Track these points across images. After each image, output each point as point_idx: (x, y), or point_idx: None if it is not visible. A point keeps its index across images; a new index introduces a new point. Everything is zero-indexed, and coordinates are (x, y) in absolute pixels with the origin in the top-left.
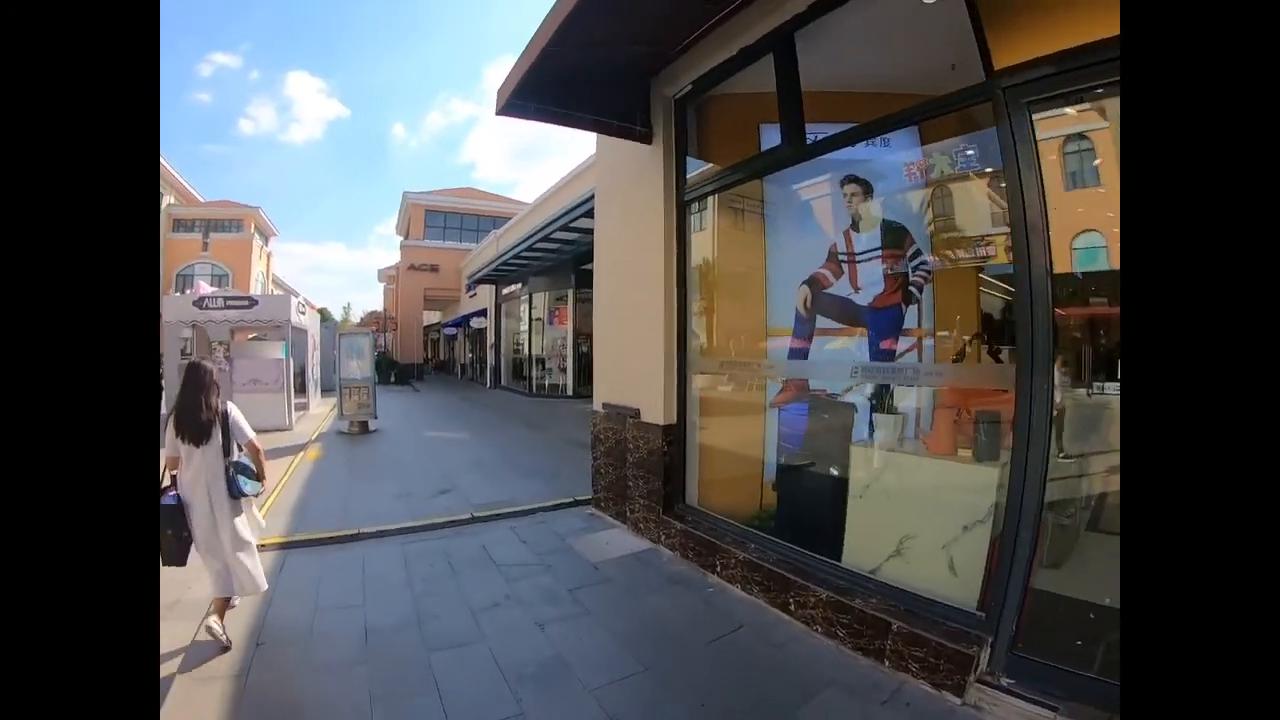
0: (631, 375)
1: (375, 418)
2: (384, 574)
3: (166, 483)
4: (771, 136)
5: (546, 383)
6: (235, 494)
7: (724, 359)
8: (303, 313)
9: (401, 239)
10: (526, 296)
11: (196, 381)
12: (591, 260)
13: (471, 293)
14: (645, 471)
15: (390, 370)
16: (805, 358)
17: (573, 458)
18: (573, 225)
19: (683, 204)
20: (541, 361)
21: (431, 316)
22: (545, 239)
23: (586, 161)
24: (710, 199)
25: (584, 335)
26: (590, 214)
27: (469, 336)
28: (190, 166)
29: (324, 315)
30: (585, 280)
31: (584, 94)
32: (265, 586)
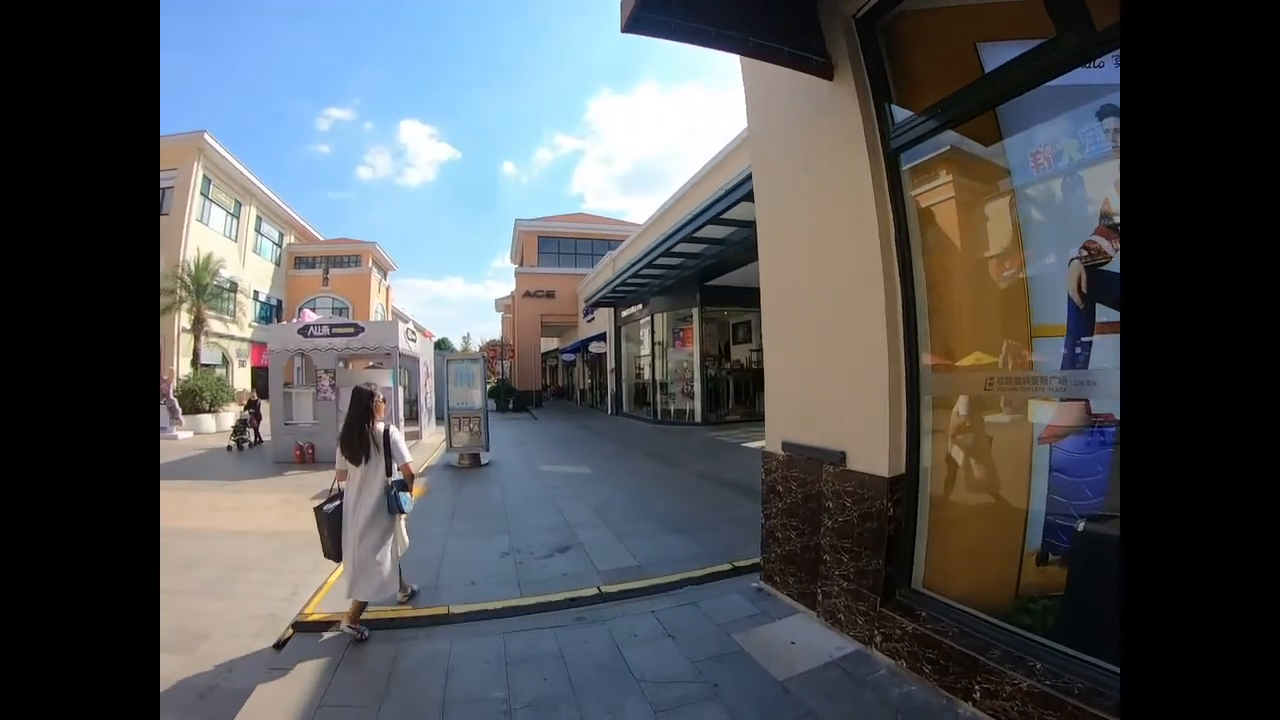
0: (831, 403)
1: (487, 449)
2: (472, 690)
3: (335, 492)
4: (997, 56)
5: (672, 409)
6: (393, 509)
7: (973, 375)
8: (413, 339)
9: (516, 266)
10: (648, 318)
11: (360, 406)
12: (718, 274)
13: (589, 317)
14: (853, 543)
15: (509, 397)
16: (1086, 365)
17: (716, 501)
18: (697, 235)
19: (892, 154)
20: (665, 386)
21: (549, 343)
22: (667, 253)
23: (713, 161)
24: (926, 148)
25: (711, 357)
26: (719, 220)
27: (587, 362)
28: (315, 212)
29: (443, 344)
30: (712, 297)
31: (733, 10)
32: (399, 596)
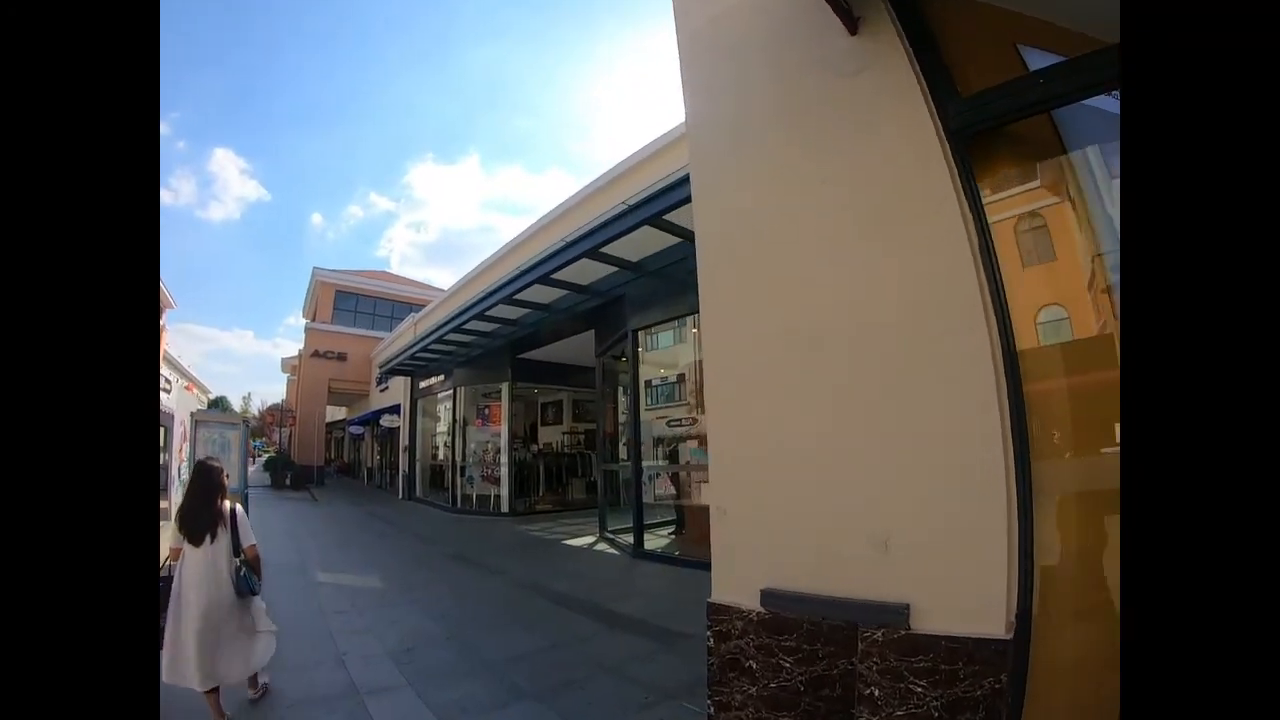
0: (877, 518)
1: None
2: None
3: (166, 572)
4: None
5: (473, 495)
6: (244, 591)
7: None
8: (165, 389)
9: (308, 321)
10: (449, 391)
11: (208, 481)
12: (532, 346)
13: (383, 386)
14: None
15: (286, 472)
16: None
17: (566, 633)
18: (521, 298)
19: (960, 137)
20: (465, 469)
21: (336, 413)
22: (481, 317)
23: (548, 216)
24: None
25: (519, 439)
26: (548, 280)
27: (378, 437)
28: None
29: (220, 404)
30: (525, 372)
31: None
32: (263, 662)
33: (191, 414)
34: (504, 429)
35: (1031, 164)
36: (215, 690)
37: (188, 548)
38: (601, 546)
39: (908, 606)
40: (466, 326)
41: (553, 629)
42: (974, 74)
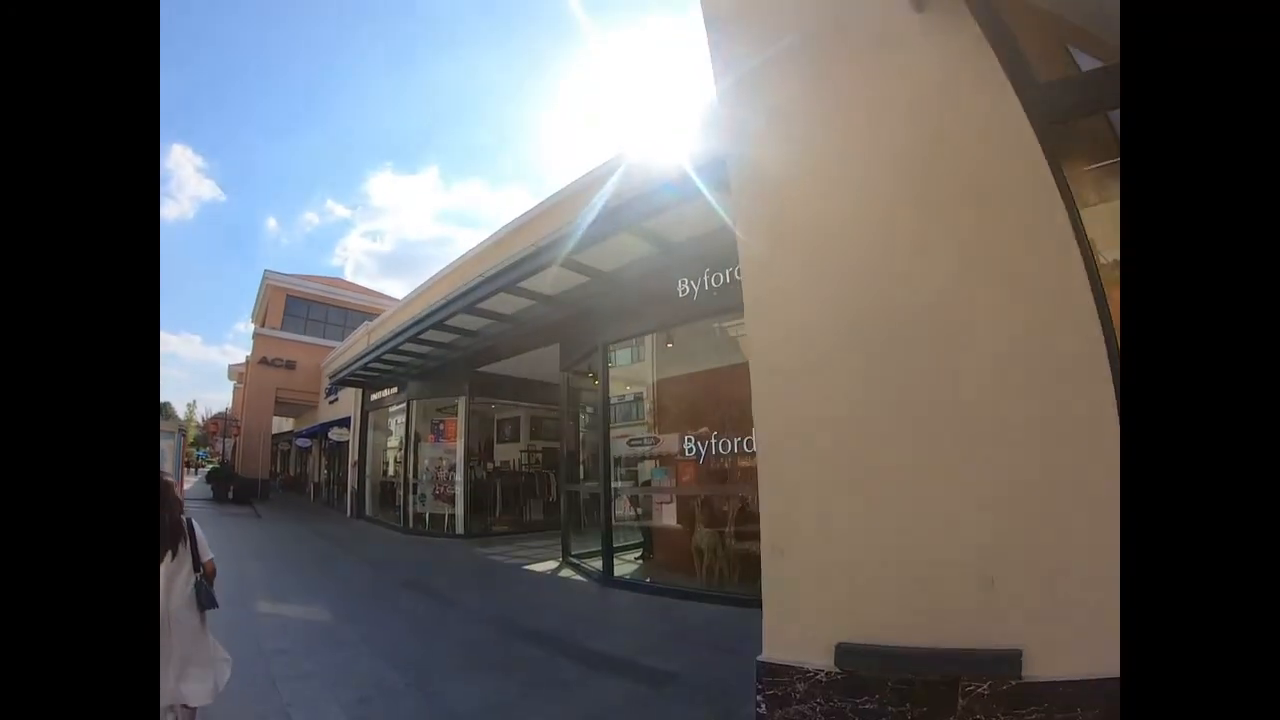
0: (979, 539)
1: None
2: None
3: None
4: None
5: (426, 515)
6: (205, 606)
7: None
8: None
9: (256, 327)
10: (402, 405)
11: (168, 496)
12: (491, 360)
13: (333, 397)
14: None
15: (229, 484)
16: None
17: (540, 676)
18: (483, 308)
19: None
20: (418, 487)
21: (283, 424)
22: (440, 326)
23: (508, 227)
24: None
25: (478, 456)
26: (514, 290)
27: (325, 450)
28: None
29: (165, 410)
30: (484, 386)
31: None
32: (225, 677)
33: None
34: (460, 445)
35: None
36: (193, 713)
37: None
38: (567, 573)
39: (1019, 652)
40: (423, 336)
41: (528, 672)
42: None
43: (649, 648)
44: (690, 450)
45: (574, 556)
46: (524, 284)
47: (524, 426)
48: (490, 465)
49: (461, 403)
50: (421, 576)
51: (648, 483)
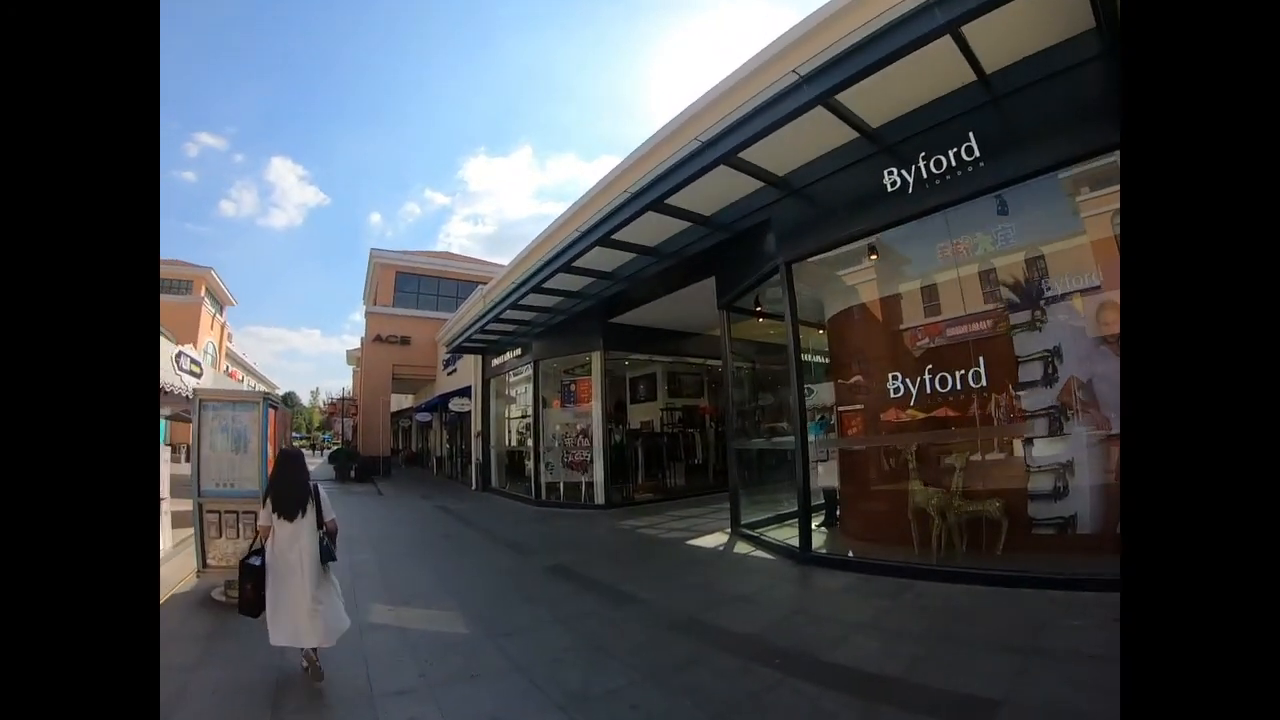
0: None
1: None
2: None
3: (257, 548)
4: None
5: (560, 485)
6: (327, 559)
7: None
8: (192, 371)
9: (368, 306)
10: (528, 367)
11: (297, 466)
12: (626, 308)
13: (450, 368)
14: None
15: (351, 465)
16: None
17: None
18: (620, 238)
19: None
20: (545, 456)
21: (403, 401)
22: (568, 268)
23: (658, 136)
24: None
25: (612, 417)
26: (661, 207)
27: (446, 423)
28: (171, 245)
29: (289, 400)
30: (619, 339)
31: None
32: (348, 624)
33: (195, 392)
34: (595, 406)
35: None
36: (315, 650)
37: (279, 524)
38: (743, 548)
39: None
40: (549, 284)
41: (771, 716)
42: None
43: (922, 658)
44: (897, 391)
45: (746, 527)
46: (676, 199)
47: (660, 383)
48: (626, 427)
49: (595, 358)
50: (568, 559)
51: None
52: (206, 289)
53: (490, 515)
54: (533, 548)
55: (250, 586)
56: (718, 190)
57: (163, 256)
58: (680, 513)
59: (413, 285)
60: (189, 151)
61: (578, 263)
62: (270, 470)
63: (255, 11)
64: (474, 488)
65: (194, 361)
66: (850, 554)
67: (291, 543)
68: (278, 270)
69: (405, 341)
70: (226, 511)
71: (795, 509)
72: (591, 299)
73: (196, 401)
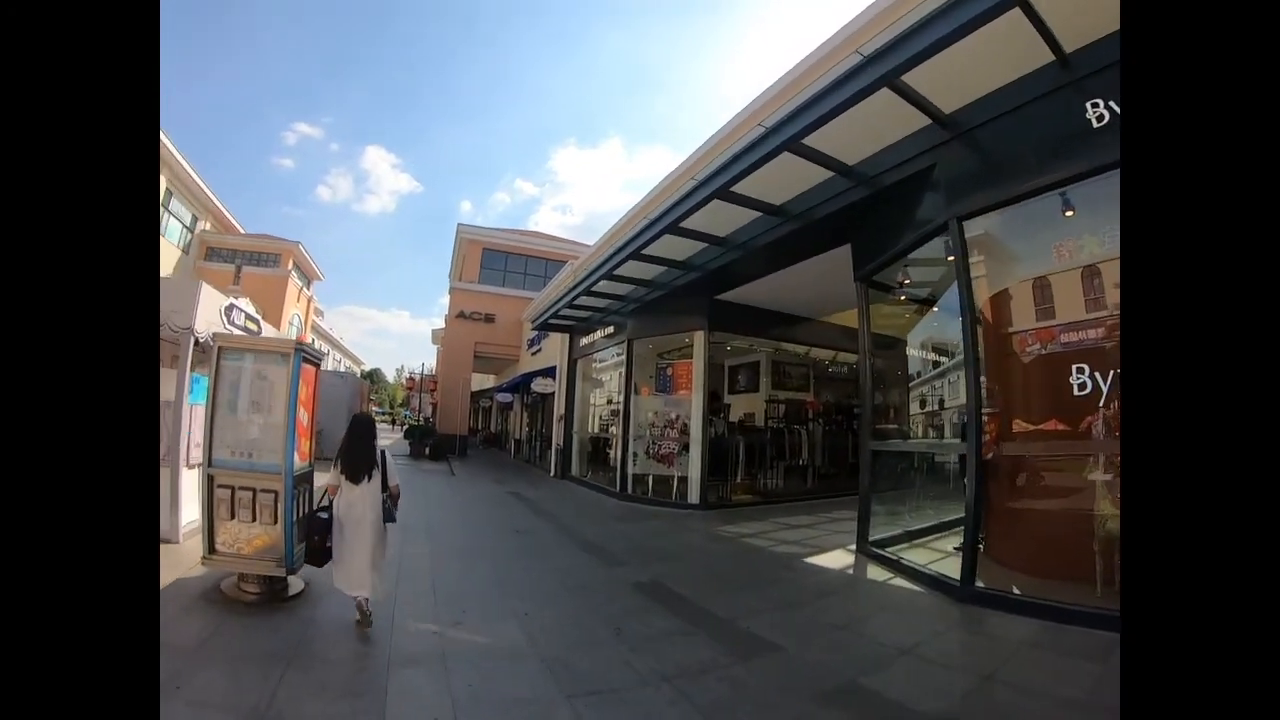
0: None
1: (291, 564)
2: None
3: (325, 503)
4: None
5: (649, 479)
6: (387, 520)
7: None
8: (249, 327)
9: (453, 282)
10: (619, 347)
11: (366, 431)
12: (735, 283)
13: (535, 348)
14: None
15: (425, 442)
16: None
17: None
18: (739, 190)
19: None
20: (634, 445)
21: (485, 381)
22: (675, 228)
23: (801, 66)
24: None
25: (716, 408)
26: (796, 147)
27: (528, 405)
28: (268, 226)
29: (374, 377)
30: (725, 318)
31: None
32: (386, 592)
33: (214, 336)
34: (696, 394)
35: None
36: (367, 600)
37: (346, 485)
38: (878, 573)
39: None
40: (650, 250)
41: None
42: None
43: None
44: (1083, 387)
45: (875, 545)
46: (816, 140)
47: (764, 373)
48: (727, 419)
49: (698, 339)
50: (664, 574)
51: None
52: (294, 262)
53: (568, 507)
54: (619, 554)
55: (318, 538)
56: (865, 132)
57: (234, 217)
58: (786, 520)
59: (499, 263)
60: (287, 140)
61: (688, 222)
62: (300, 440)
63: (349, 7)
64: (552, 474)
65: (250, 317)
66: (1014, 590)
67: (356, 502)
68: (371, 253)
69: (489, 319)
70: (241, 488)
71: (925, 525)
72: (697, 270)
73: (214, 350)
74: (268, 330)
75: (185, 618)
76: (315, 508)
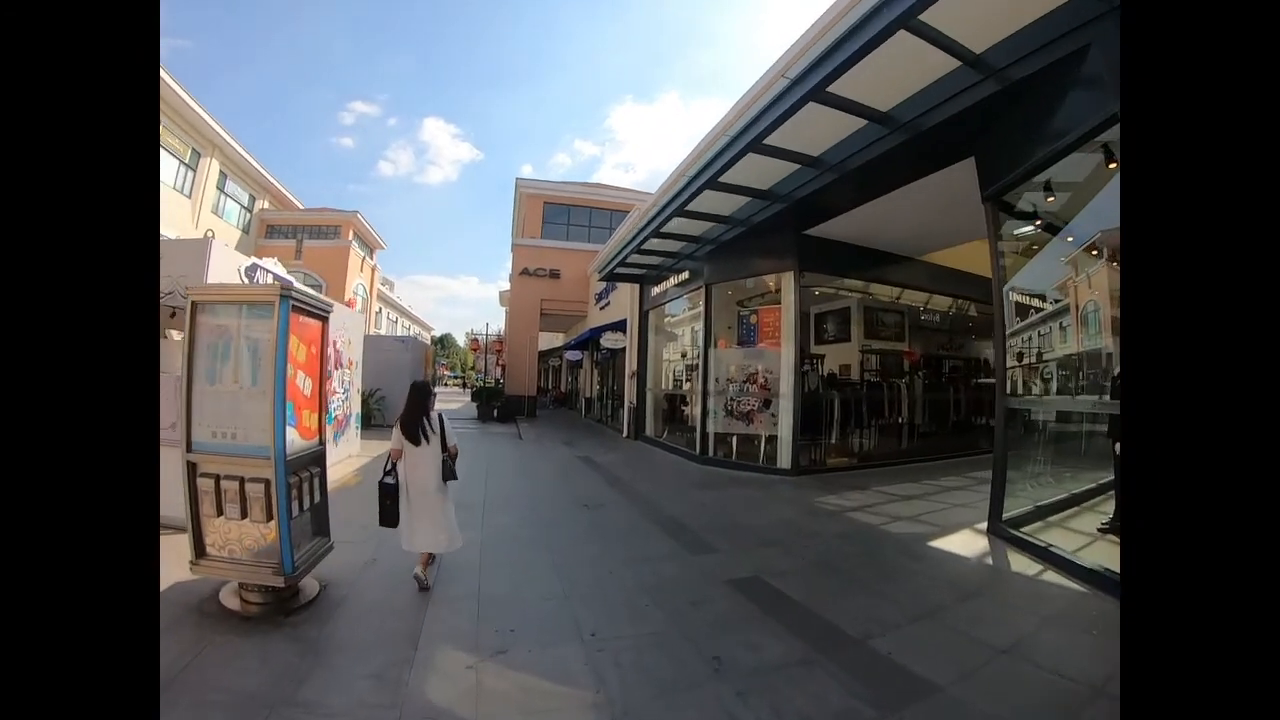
0: None
1: (288, 567)
2: None
3: (389, 467)
4: None
5: (732, 439)
6: (447, 478)
7: None
8: (281, 276)
9: (515, 239)
10: (696, 292)
11: (422, 396)
12: (827, 214)
13: (604, 301)
14: None
15: (493, 404)
16: None
17: None
18: (837, 92)
19: None
20: (714, 402)
21: (554, 340)
22: (759, 145)
23: None
24: None
25: (809, 359)
26: (918, 31)
27: (597, 363)
28: (333, 202)
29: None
30: (820, 257)
31: None
32: (461, 543)
33: (186, 290)
34: (786, 344)
35: None
36: (431, 557)
37: (409, 448)
38: (1021, 563)
39: None
40: (726, 177)
41: None
42: None
43: None
44: None
45: (1010, 525)
46: (935, 14)
47: (855, 321)
48: (821, 372)
49: (787, 281)
50: (766, 567)
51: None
52: (354, 232)
53: (644, 474)
54: (707, 537)
55: (389, 501)
56: (1000, 7)
57: (292, 194)
58: (890, 490)
59: (562, 216)
60: (344, 120)
61: (777, 138)
62: (300, 413)
63: None
64: (625, 435)
65: (278, 278)
66: None
67: (419, 464)
68: (437, 222)
69: (554, 275)
70: (227, 477)
71: (1057, 499)
72: (782, 201)
73: (187, 305)
74: (350, 309)
75: (186, 630)
76: (383, 473)
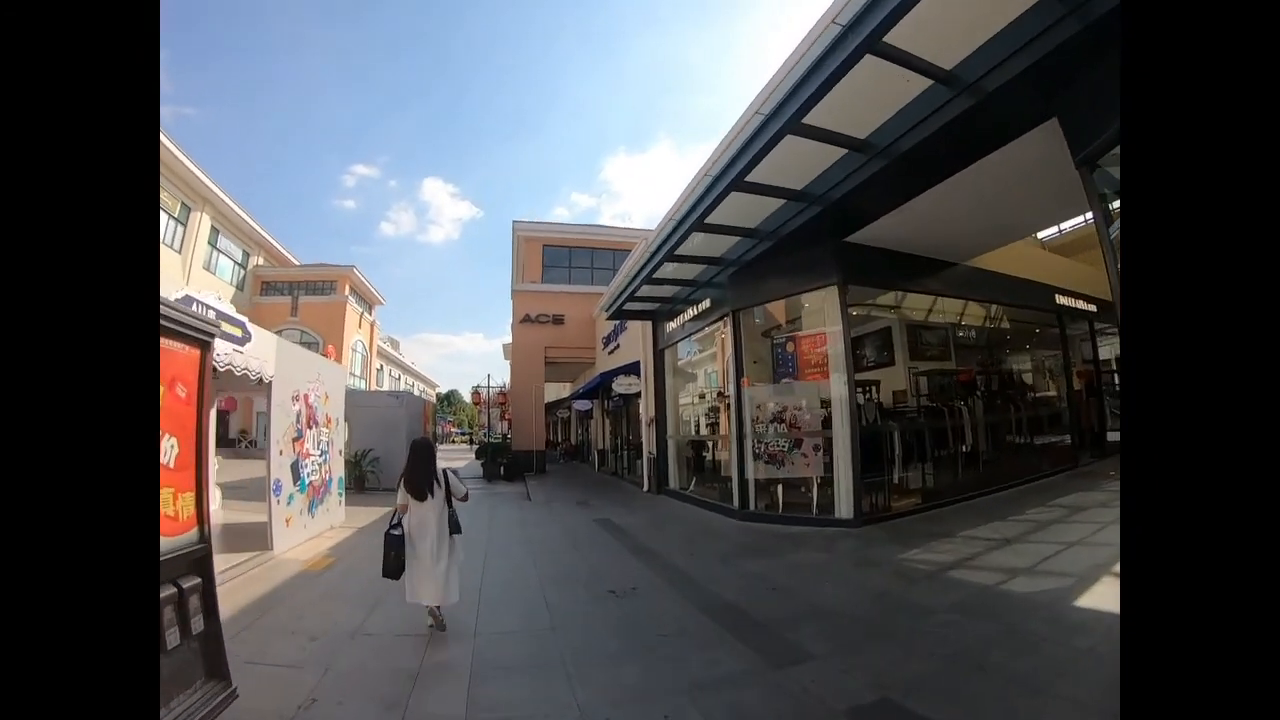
0: None
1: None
2: None
3: (396, 521)
4: None
5: (777, 491)
6: (454, 531)
7: None
8: (234, 326)
9: (514, 285)
10: (720, 324)
11: (423, 454)
12: (871, 214)
13: (612, 345)
14: None
15: (499, 461)
16: None
17: None
18: (890, 43)
19: None
20: (752, 447)
21: (561, 390)
22: (798, 126)
23: None
24: None
25: (863, 388)
26: None
27: (610, 411)
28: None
29: (453, 398)
30: (866, 267)
31: None
32: (458, 596)
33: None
34: (836, 370)
35: None
36: (438, 607)
37: (413, 503)
38: None
39: None
40: (752, 176)
41: None
42: None
43: None
44: None
45: None
46: None
47: (899, 340)
48: (877, 401)
49: (830, 297)
50: (886, 679)
51: None
52: (350, 287)
53: (676, 538)
54: (786, 634)
55: (394, 554)
56: None
57: (288, 251)
58: (978, 532)
59: (562, 259)
60: (346, 183)
61: (816, 116)
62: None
63: (391, 45)
64: (645, 489)
65: (227, 318)
66: None
67: (424, 518)
68: (440, 281)
69: (558, 320)
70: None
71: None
72: (819, 203)
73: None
74: (327, 360)
75: None
76: (389, 526)
